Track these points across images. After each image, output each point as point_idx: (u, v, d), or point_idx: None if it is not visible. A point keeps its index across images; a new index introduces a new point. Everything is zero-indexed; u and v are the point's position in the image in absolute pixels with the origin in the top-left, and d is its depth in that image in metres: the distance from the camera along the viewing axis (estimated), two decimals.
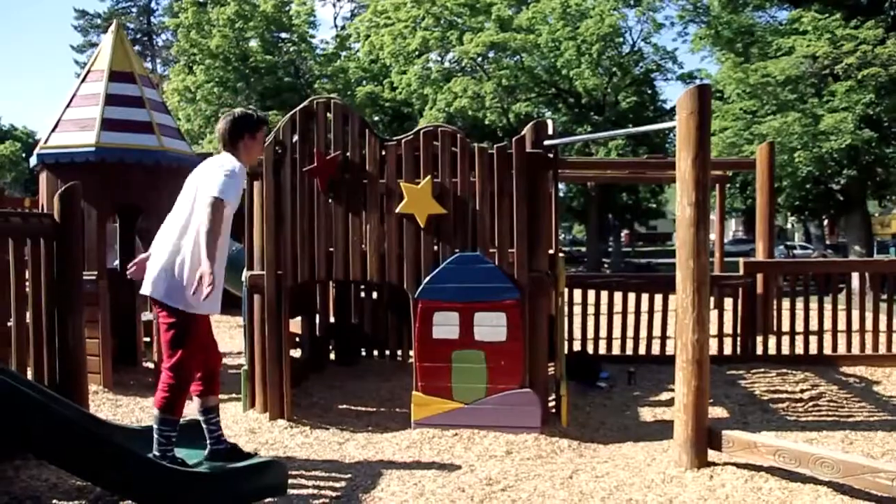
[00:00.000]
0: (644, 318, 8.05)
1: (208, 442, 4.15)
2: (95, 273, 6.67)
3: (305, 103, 5.87)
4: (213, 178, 3.90)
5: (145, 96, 7.19)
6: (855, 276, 9.24)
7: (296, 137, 5.77)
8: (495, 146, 5.59)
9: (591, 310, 8.28)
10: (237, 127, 4.11)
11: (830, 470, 4.02)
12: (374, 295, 8.22)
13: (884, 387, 7.08)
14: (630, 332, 8.12)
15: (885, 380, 7.33)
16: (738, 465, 4.51)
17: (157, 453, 3.94)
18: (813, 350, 7.99)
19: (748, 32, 22.67)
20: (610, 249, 38.47)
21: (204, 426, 4.17)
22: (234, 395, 6.45)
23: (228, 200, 3.87)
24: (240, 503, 3.88)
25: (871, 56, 18.35)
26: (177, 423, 4.03)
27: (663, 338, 8.02)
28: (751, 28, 22.75)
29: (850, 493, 4.04)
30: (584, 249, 40.19)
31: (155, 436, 3.97)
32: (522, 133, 5.63)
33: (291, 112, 5.86)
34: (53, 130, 6.98)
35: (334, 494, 4.30)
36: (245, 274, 5.97)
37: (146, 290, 4.05)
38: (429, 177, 5.55)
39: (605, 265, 34.47)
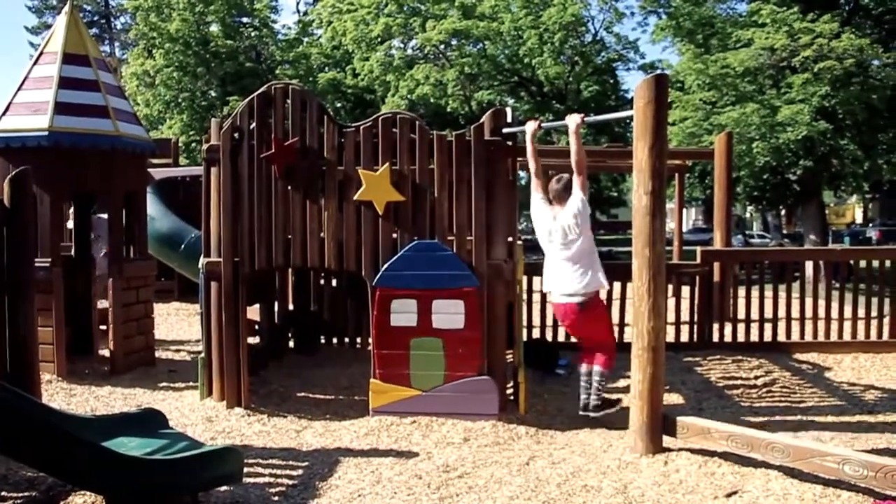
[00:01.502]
0: None
1: (587, 395, 5.40)
2: (49, 260, 6.55)
3: (263, 88, 5.81)
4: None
5: (100, 80, 7.05)
6: (809, 265, 9.40)
7: (254, 123, 5.71)
8: (454, 133, 5.58)
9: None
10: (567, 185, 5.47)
11: (781, 454, 4.10)
12: (334, 282, 8.18)
13: (834, 373, 7.23)
14: None
15: (836, 366, 7.49)
16: (692, 451, 4.58)
17: (595, 399, 5.34)
18: (768, 337, 8.14)
19: (708, 24, 22.85)
20: None
21: (587, 383, 5.40)
22: (191, 384, 6.40)
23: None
24: (195, 491, 3.85)
25: (826, 49, 18.60)
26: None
27: (621, 325, 8.08)
28: (711, 20, 22.92)
29: (799, 477, 4.12)
30: None
31: (597, 387, 5.33)
32: (481, 121, 5.63)
33: (249, 98, 5.80)
34: (4, 114, 6.81)
35: (291, 482, 4.29)
36: (202, 261, 5.90)
37: (565, 298, 5.30)
38: (387, 164, 5.53)
39: None
